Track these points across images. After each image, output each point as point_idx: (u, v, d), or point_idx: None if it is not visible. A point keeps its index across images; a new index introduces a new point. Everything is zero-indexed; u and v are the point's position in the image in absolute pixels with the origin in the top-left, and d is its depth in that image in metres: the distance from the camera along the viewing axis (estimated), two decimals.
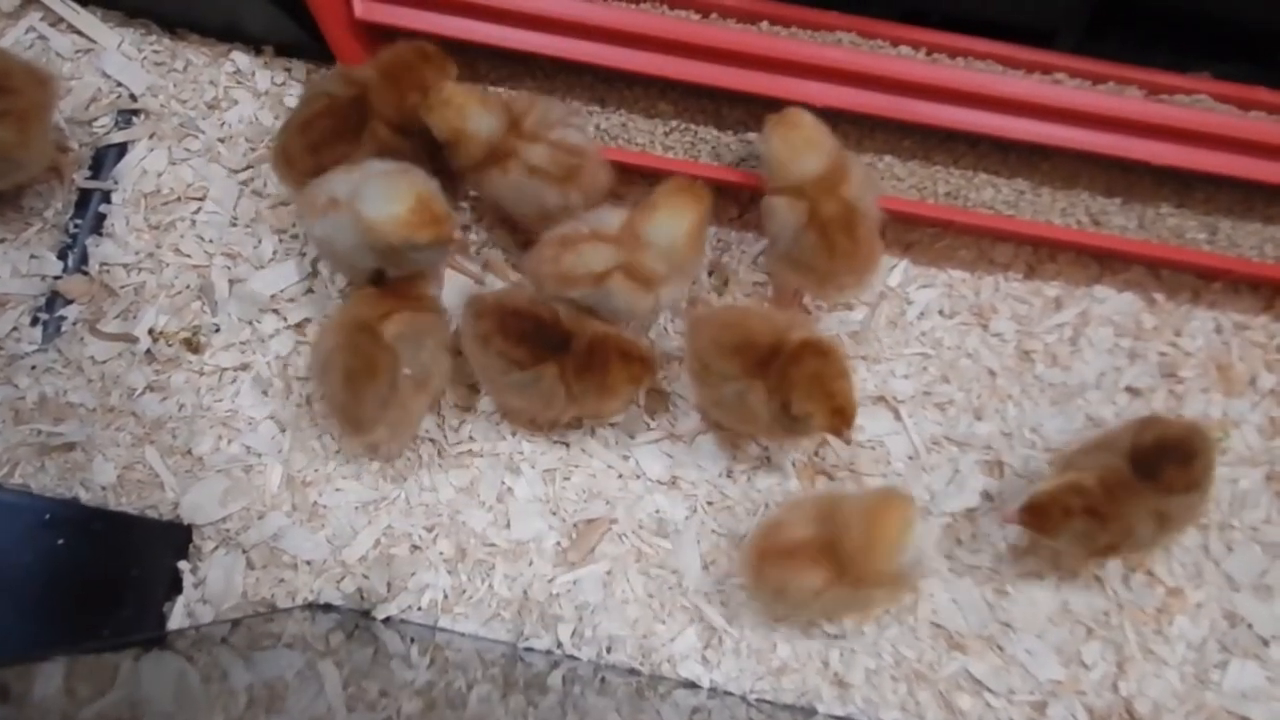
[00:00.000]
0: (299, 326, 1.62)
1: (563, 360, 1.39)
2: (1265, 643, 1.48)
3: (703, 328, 1.42)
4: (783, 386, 1.34)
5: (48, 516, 1.40)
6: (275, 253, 1.64)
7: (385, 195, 1.32)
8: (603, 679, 1.46)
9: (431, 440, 1.58)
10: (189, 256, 1.64)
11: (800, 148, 1.37)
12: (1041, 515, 1.35)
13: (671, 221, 1.37)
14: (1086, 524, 1.33)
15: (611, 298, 1.40)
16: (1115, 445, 1.37)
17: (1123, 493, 1.33)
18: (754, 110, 1.58)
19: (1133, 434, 1.37)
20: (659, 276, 1.40)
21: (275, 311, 1.63)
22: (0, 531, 1.38)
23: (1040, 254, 1.65)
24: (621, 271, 1.38)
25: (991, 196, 1.58)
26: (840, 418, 1.32)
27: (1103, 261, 1.64)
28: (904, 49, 1.55)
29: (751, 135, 1.59)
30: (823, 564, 1.32)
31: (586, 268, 1.39)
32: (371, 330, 1.37)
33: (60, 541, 1.40)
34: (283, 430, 1.59)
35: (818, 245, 1.40)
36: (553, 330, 1.39)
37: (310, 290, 1.63)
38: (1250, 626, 1.48)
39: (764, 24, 1.55)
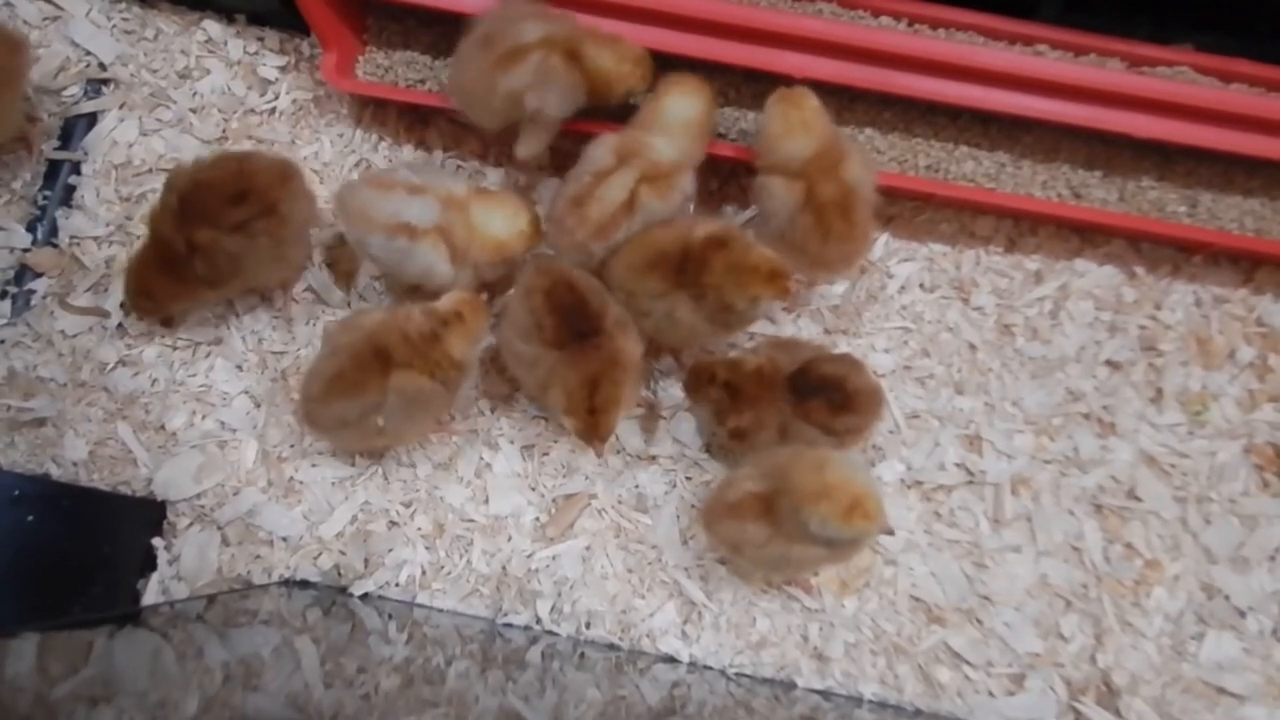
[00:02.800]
0: (272, 301, 1.60)
1: (565, 354, 1.35)
2: (1242, 614, 1.48)
3: (615, 259, 1.41)
4: (706, 292, 1.34)
5: (16, 493, 1.38)
6: None
7: (507, 215, 1.43)
8: (582, 654, 1.45)
9: None
10: None
11: (795, 128, 1.37)
12: (693, 376, 1.41)
13: (682, 102, 1.40)
14: (720, 398, 1.36)
15: (652, 213, 1.40)
16: (798, 352, 1.40)
17: (769, 388, 1.36)
18: (734, 81, 1.57)
19: (814, 352, 1.40)
20: (675, 167, 1.40)
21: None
22: None
23: (1021, 227, 1.64)
24: (645, 185, 1.38)
25: (972, 169, 1.57)
26: (779, 278, 1.31)
27: (1083, 235, 1.63)
28: (885, 20, 1.54)
29: (730, 108, 1.58)
30: (764, 517, 1.31)
31: (614, 202, 1.38)
32: (386, 362, 1.35)
33: (30, 518, 1.38)
34: (257, 405, 1.57)
35: (813, 228, 1.40)
36: (586, 320, 1.34)
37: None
38: (1227, 598, 1.49)
39: None
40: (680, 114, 1.41)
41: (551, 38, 1.38)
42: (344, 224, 1.43)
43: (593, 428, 1.34)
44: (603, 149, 1.41)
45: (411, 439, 1.52)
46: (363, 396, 1.35)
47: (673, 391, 1.56)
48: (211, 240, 1.39)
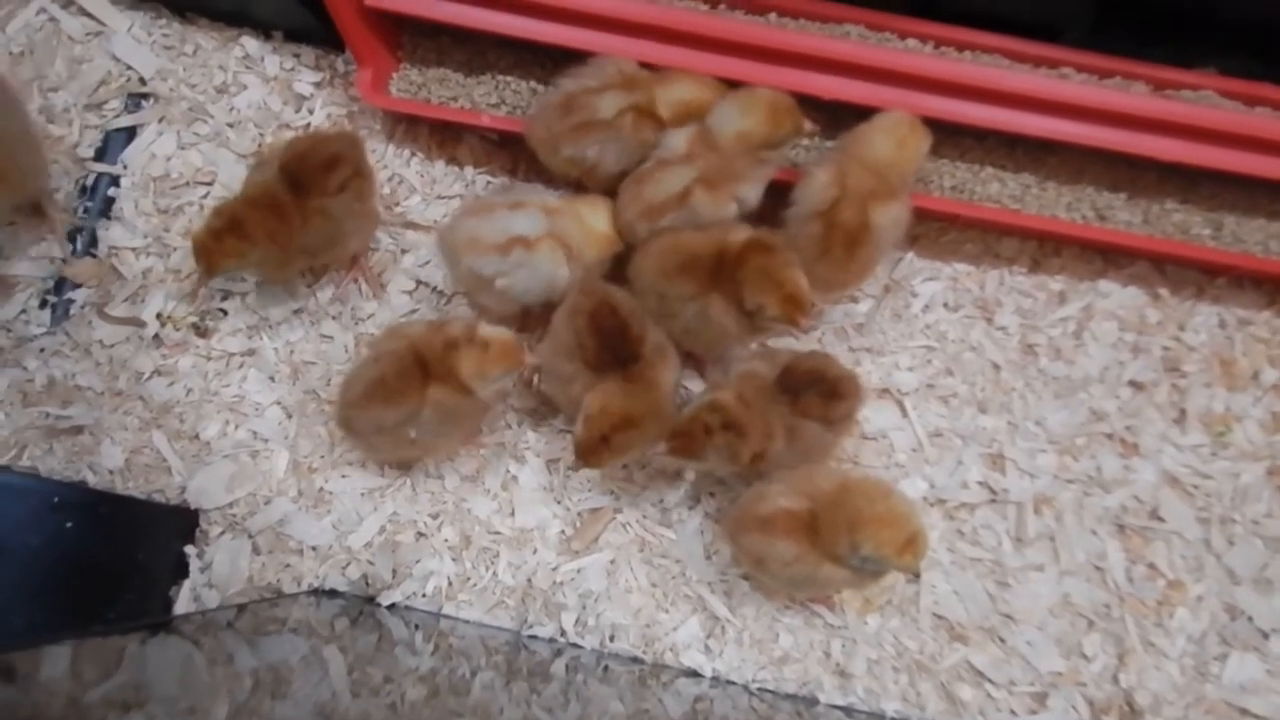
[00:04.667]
0: (305, 312, 1.63)
1: (603, 377, 1.37)
2: (1265, 636, 1.49)
3: (645, 261, 1.43)
4: (735, 288, 1.36)
5: (56, 500, 1.40)
6: None
7: (600, 211, 1.47)
8: (606, 667, 1.47)
9: None
10: None
11: (907, 147, 1.41)
12: (686, 440, 1.35)
13: (745, 111, 1.42)
14: (727, 438, 1.34)
15: (698, 213, 1.42)
16: (774, 358, 1.40)
17: (759, 402, 1.35)
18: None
19: (792, 356, 1.40)
20: (735, 173, 1.42)
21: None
22: (9, 514, 1.38)
23: (1045, 248, 1.65)
24: (700, 184, 1.41)
25: (998, 190, 1.59)
26: (792, 304, 1.34)
27: (1107, 256, 1.64)
28: (912, 42, 1.56)
29: None
30: (795, 535, 1.32)
31: (667, 192, 1.42)
32: (425, 372, 1.38)
33: (68, 525, 1.40)
34: (289, 416, 1.59)
35: (816, 239, 1.42)
36: (626, 345, 1.36)
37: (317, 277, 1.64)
38: (1250, 620, 1.49)
39: (772, 15, 1.56)
40: (737, 119, 1.43)
41: (624, 110, 1.43)
42: (451, 260, 1.46)
43: (592, 450, 1.35)
44: (678, 138, 1.44)
45: (439, 452, 1.54)
46: (401, 405, 1.37)
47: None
48: (322, 207, 1.45)
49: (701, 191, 1.42)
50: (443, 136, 1.70)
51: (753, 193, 1.46)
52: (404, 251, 1.65)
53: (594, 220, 1.47)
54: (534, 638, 1.51)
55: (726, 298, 1.38)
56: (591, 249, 1.46)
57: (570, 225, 1.45)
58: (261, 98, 1.71)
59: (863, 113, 1.49)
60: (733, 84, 1.49)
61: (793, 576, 1.36)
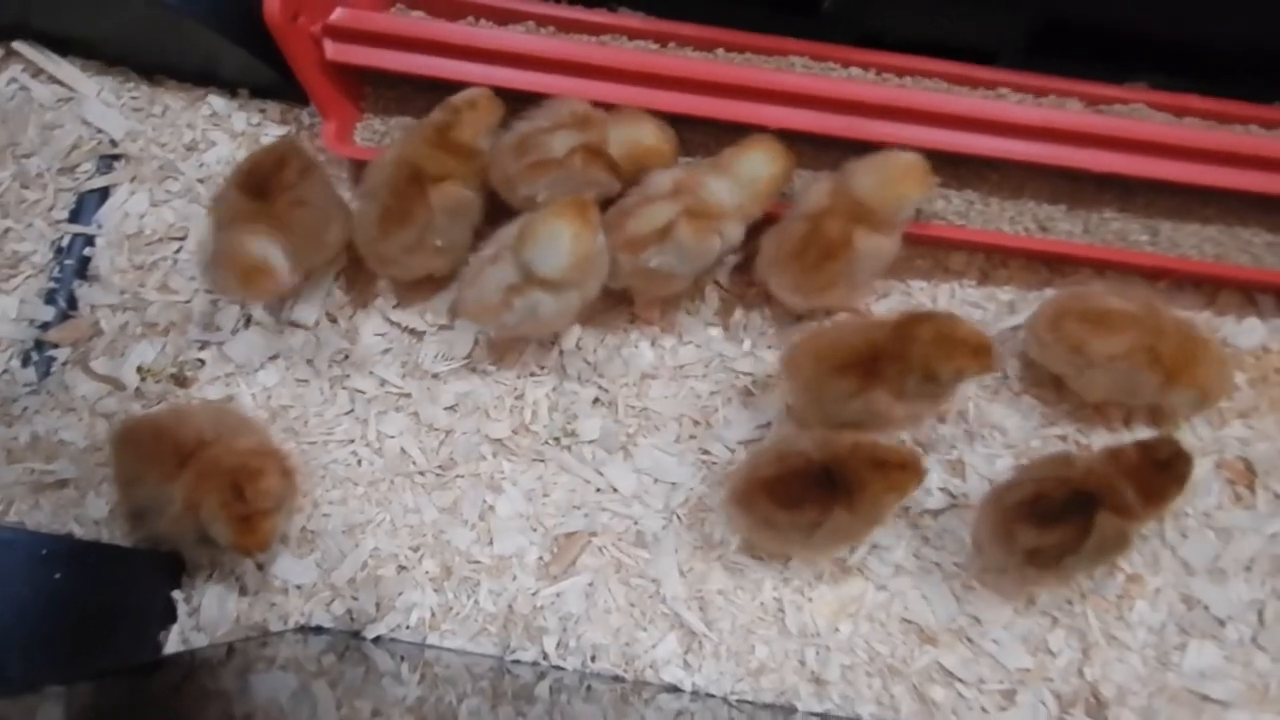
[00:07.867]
0: (281, 357, 1.67)
1: (834, 499, 1.39)
2: (1221, 623, 1.54)
3: (799, 363, 1.48)
4: (910, 368, 1.39)
5: (44, 551, 1.42)
6: None
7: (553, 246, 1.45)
8: (588, 687, 1.50)
9: (414, 462, 1.63)
10: (175, 293, 1.70)
11: (890, 176, 1.48)
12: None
13: (759, 162, 1.50)
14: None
15: (682, 247, 1.48)
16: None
17: None
18: (715, 134, 1.65)
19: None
20: (723, 211, 1.48)
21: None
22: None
23: (993, 260, 1.71)
24: (685, 217, 1.47)
25: (943, 208, 1.65)
26: (985, 352, 1.39)
27: (1052, 266, 1.70)
28: (854, 70, 1.62)
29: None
30: (1127, 332, 1.46)
31: (650, 226, 1.48)
32: (422, 185, 1.47)
33: (57, 575, 1.42)
34: None
35: (796, 239, 1.49)
36: (816, 473, 1.39)
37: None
38: (1206, 609, 1.54)
39: (720, 51, 1.62)
40: (753, 172, 1.50)
41: (574, 149, 1.49)
42: (484, 324, 1.56)
43: (906, 478, 1.41)
44: (664, 177, 1.51)
45: (462, 253, 1.59)
46: (413, 223, 1.49)
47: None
48: (296, 198, 1.49)
49: (685, 224, 1.47)
50: None
51: (739, 231, 1.52)
52: (375, 295, 1.70)
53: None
54: (517, 662, 1.55)
55: (890, 389, 1.42)
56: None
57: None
58: (230, 153, 1.76)
59: (810, 139, 1.56)
60: (689, 120, 1.55)
61: (1110, 371, 1.48)
